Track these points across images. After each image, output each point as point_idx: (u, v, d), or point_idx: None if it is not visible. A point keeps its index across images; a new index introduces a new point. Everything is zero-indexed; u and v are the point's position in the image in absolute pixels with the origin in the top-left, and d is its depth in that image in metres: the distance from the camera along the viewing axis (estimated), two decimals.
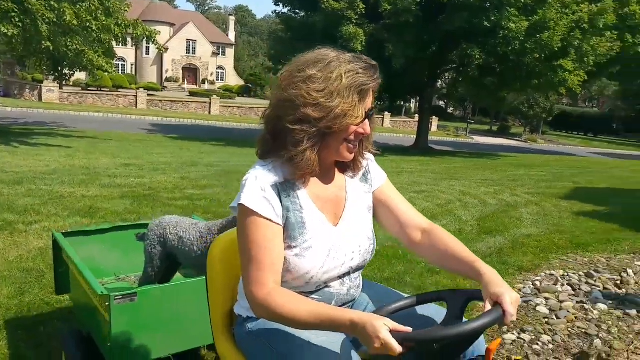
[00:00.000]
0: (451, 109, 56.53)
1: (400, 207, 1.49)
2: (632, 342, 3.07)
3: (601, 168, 16.79)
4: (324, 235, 1.34)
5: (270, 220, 1.27)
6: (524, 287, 4.00)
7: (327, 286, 1.37)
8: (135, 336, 1.95)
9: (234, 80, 53.39)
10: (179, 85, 47.55)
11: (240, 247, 1.31)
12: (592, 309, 3.60)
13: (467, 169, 13.19)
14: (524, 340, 3.05)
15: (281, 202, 1.30)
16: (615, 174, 14.63)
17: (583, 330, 3.22)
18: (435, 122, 37.00)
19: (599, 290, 3.96)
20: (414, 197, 7.95)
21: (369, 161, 1.50)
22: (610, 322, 3.40)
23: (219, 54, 53.44)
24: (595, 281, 4.17)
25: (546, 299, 3.75)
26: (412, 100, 37.58)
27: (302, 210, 1.32)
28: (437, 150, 20.94)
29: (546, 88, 19.77)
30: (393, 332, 1.07)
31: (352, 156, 1.35)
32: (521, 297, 3.83)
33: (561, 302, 3.69)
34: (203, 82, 50.69)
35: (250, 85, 49.51)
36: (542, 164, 16.94)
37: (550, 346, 3.00)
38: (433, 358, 1.13)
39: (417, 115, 34.74)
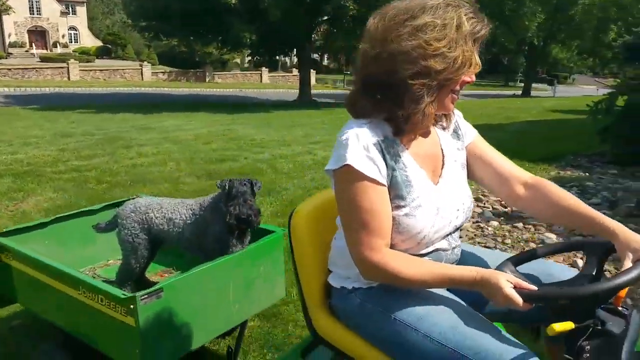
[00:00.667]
0: (326, 61, 57.49)
1: (498, 161, 1.41)
2: (524, 249, 3.60)
3: (473, 107, 18.26)
4: (429, 193, 1.27)
5: (377, 181, 1.19)
6: None
7: (435, 247, 1.30)
8: (163, 335, 1.77)
9: (89, 41, 48.55)
10: (27, 51, 42.27)
11: (346, 211, 1.22)
12: (487, 226, 4.13)
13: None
14: None
15: (385, 161, 1.21)
16: (485, 112, 16.04)
17: (483, 244, 3.69)
18: (313, 75, 37.40)
19: (489, 211, 4.51)
20: (312, 148, 8.13)
21: (457, 117, 1.43)
22: (503, 235, 3.94)
23: (68, 13, 48.05)
24: (484, 204, 4.73)
25: None
26: (288, 55, 37.43)
27: (406, 168, 1.24)
28: (321, 102, 21.15)
29: None
30: (517, 289, 1.08)
31: (453, 107, 1.27)
32: None
33: None
34: (54, 45, 45.51)
35: (110, 46, 45.45)
36: None
37: None
38: (563, 312, 1.09)
39: (294, 69, 34.52)
